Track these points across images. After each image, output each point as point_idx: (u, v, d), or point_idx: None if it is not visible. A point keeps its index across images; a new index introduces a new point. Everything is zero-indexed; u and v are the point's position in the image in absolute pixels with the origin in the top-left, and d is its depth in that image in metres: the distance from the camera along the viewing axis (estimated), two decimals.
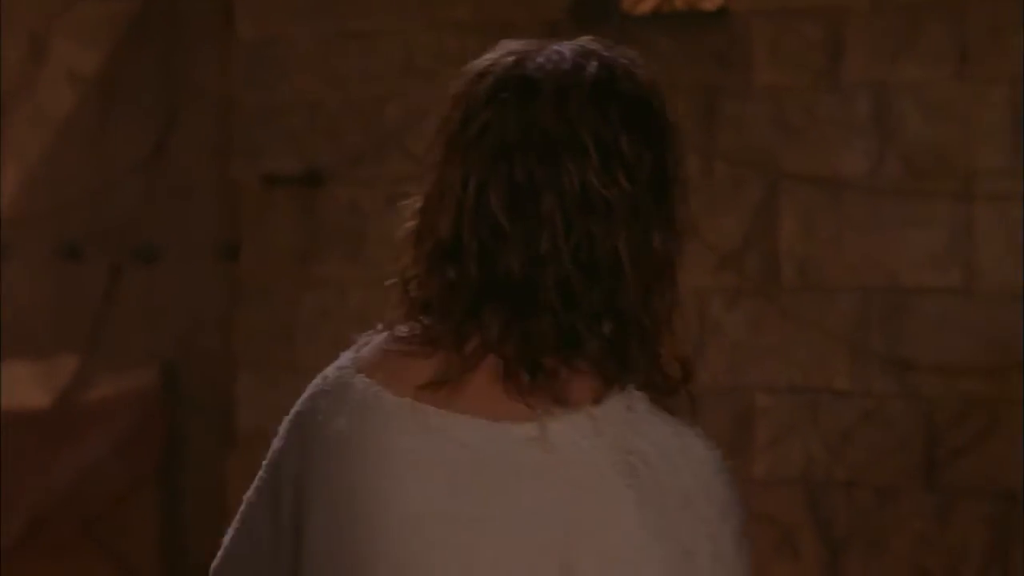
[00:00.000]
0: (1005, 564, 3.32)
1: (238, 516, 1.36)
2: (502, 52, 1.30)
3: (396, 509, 1.24)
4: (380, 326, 1.33)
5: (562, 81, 1.27)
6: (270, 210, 4.10)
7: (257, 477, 1.35)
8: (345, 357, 1.33)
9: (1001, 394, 3.35)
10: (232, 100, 4.14)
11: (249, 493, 1.36)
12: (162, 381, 4.18)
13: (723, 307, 3.65)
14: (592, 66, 1.28)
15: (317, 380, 1.33)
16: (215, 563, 1.37)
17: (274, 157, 4.09)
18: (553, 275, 1.24)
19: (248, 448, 4.13)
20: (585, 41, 1.30)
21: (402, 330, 1.30)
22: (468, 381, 1.25)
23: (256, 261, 4.13)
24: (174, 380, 4.20)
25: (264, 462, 1.35)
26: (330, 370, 1.33)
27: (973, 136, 3.39)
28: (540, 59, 1.28)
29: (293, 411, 1.34)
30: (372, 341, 1.33)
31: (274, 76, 4.10)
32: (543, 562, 1.21)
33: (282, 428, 1.34)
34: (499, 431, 1.23)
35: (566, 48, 1.29)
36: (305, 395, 1.33)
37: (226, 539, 1.36)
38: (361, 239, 4.00)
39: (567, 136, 1.25)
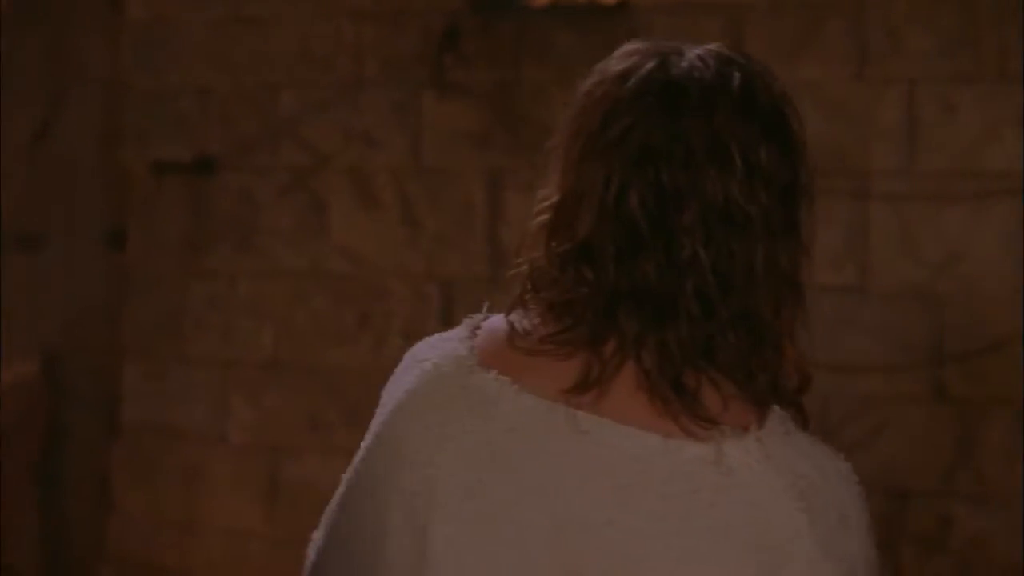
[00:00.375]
0: (896, 562, 3.37)
1: (338, 497, 1.33)
2: (638, 54, 1.30)
3: (561, 514, 1.23)
4: (484, 313, 1.32)
5: (709, 90, 1.27)
6: (159, 198, 4.05)
7: (356, 459, 1.32)
8: (453, 344, 1.31)
9: (895, 392, 3.41)
10: (120, 84, 4.08)
11: (350, 473, 1.33)
12: (44, 372, 4.11)
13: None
14: (736, 76, 1.29)
15: (425, 366, 1.30)
16: (318, 540, 1.33)
17: (163, 143, 4.04)
18: (692, 284, 1.24)
19: (133, 440, 4.07)
20: (717, 47, 1.31)
21: (523, 325, 1.28)
22: (611, 388, 1.25)
23: (144, 249, 4.07)
24: (57, 371, 4.13)
25: (365, 444, 1.32)
26: (437, 357, 1.30)
27: (869, 136, 3.44)
28: (684, 64, 1.29)
29: (398, 397, 1.31)
30: (486, 330, 1.31)
31: (164, 60, 4.05)
32: None
33: (384, 412, 1.31)
34: (671, 448, 1.24)
35: (705, 54, 1.30)
36: (411, 382, 1.30)
37: (327, 518, 1.34)
38: (252, 228, 3.97)
39: (713, 146, 1.26)
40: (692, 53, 1.30)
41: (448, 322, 4.06)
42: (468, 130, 3.80)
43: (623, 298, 1.25)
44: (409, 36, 3.84)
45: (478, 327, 1.32)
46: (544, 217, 1.29)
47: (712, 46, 1.31)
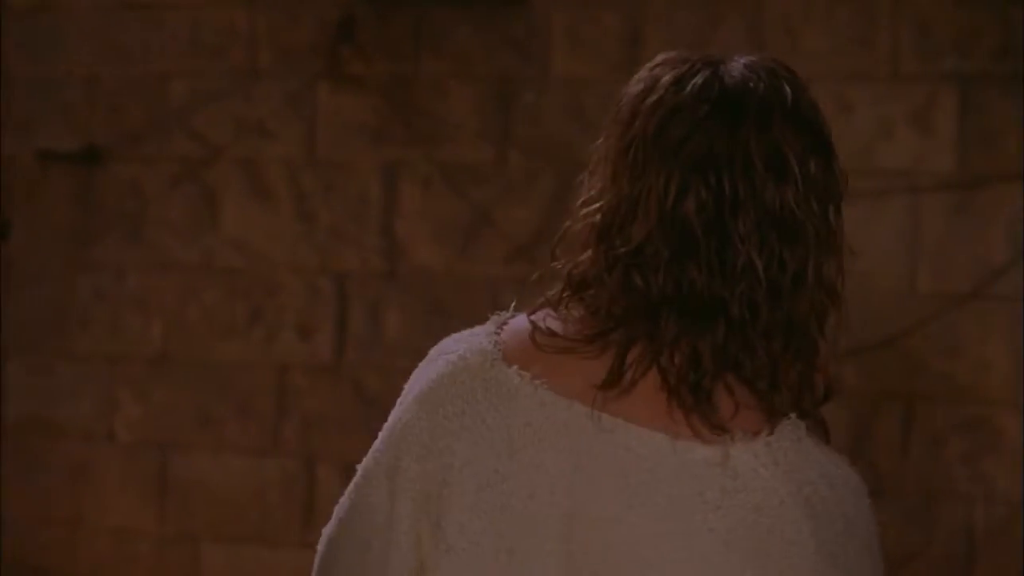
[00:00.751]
0: None
1: (353, 484, 1.36)
2: (687, 62, 1.35)
3: (572, 509, 1.27)
4: (512, 311, 1.35)
5: (765, 101, 1.33)
6: (43, 188, 4.01)
7: (374, 447, 1.35)
8: (479, 338, 1.34)
9: None
10: (3, 71, 4.03)
11: (367, 460, 1.36)
12: None
13: (515, 297, 3.71)
14: (786, 88, 1.34)
15: (451, 357, 1.34)
16: (329, 529, 1.36)
17: (49, 133, 4.00)
18: (742, 289, 1.29)
19: (17, 438, 4.03)
20: (760, 59, 1.36)
21: (548, 324, 1.32)
22: (634, 389, 1.29)
23: (28, 242, 4.03)
24: None
25: (383, 432, 1.34)
26: (463, 350, 1.34)
27: None
28: (736, 74, 1.34)
29: (420, 386, 1.34)
30: (511, 328, 1.35)
31: (49, 47, 4.00)
32: None
33: (406, 400, 1.34)
34: (680, 449, 1.27)
35: (754, 65, 1.35)
36: (435, 373, 1.33)
37: (340, 506, 1.37)
38: (140, 220, 3.95)
39: (772, 155, 1.32)
40: (740, 63, 1.35)
41: (343, 317, 4.09)
42: (364, 122, 3.81)
43: (667, 303, 1.29)
44: (304, 26, 3.83)
45: (504, 324, 1.36)
46: (593, 220, 1.33)
47: (754, 57, 1.36)
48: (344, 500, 1.38)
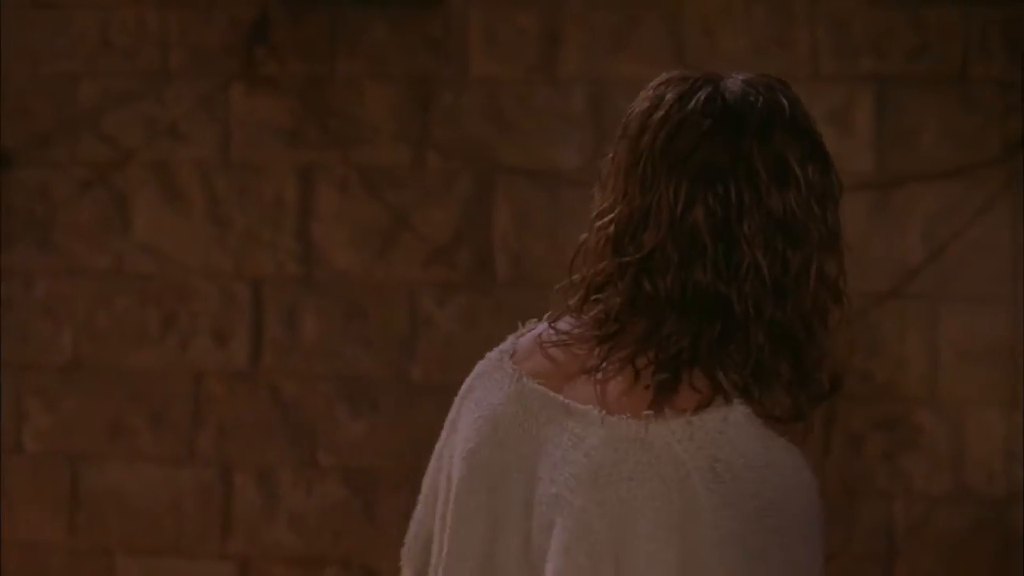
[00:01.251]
0: None
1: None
2: (687, 81, 1.50)
3: (532, 488, 1.46)
4: (547, 317, 1.54)
5: (764, 113, 1.48)
6: None
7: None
8: (508, 340, 1.57)
9: None
10: None
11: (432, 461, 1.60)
12: None
13: (435, 301, 3.74)
14: (783, 100, 1.50)
15: (483, 360, 1.57)
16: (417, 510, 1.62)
17: None
18: (748, 288, 1.43)
19: None
20: (758, 76, 1.53)
21: (559, 326, 1.51)
22: (609, 380, 1.46)
23: None
24: None
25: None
26: (493, 351, 1.57)
27: None
28: (735, 90, 1.49)
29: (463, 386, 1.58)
30: (529, 330, 1.56)
31: None
32: (628, 550, 1.40)
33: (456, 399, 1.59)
34: (607, 424, 1.44)
35: (752, 81, 1.51)
36: (472, 372, 1.58)
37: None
38: (50, 226, 3.93)
39: (774, 163, 1.46)
40: (738, 79, 1.51)
41: (259, 322, 4.10)
42: (278, 124, 3.82)
43: (672, 304, 1.44)
44: (217, 26, 3.84)
45: (531, 329, 1.57)
46: (607, 231, 1.49)
47: (751, 74, 1.52)
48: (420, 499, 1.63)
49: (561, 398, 1.47)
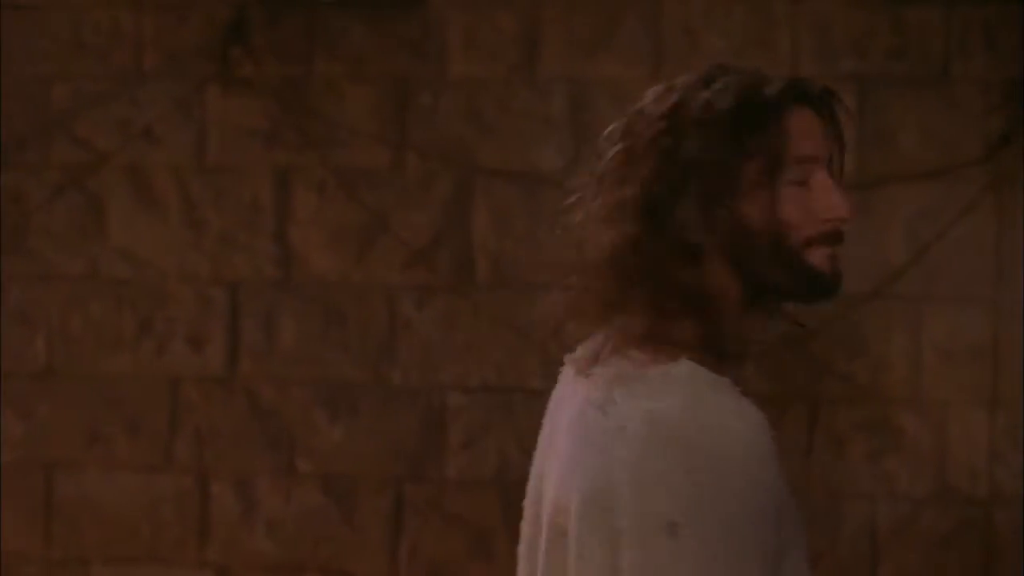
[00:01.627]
0: None
1: None
2: (717, 80, 1.72)
3: (552, 449, 1.73)
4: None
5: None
6: None
7: None
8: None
9: None
10: None
11: None
12: None
13: (414, 304, 3.76)
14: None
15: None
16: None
17: None
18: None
19: None
20: (752, 69, 1.76)
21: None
22: (610, 356, 1.65)
23: None
24: None
25: None
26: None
27: None
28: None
29: None
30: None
31: None
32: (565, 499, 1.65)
33: None
34: (577, 389, 1.67)
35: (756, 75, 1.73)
36: None
37: None
38: (23, 230, 3.93)
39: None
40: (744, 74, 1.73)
41: (236, 327, 4.10)
42: (255, 126, 3.83)
43: (682, 303, 1.65)
44: (193, 27, 3.84)
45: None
46: (631, 233, 1.67)
47: (743, 68, 1.75)
48: None
49: (582, 378, 1.74)
